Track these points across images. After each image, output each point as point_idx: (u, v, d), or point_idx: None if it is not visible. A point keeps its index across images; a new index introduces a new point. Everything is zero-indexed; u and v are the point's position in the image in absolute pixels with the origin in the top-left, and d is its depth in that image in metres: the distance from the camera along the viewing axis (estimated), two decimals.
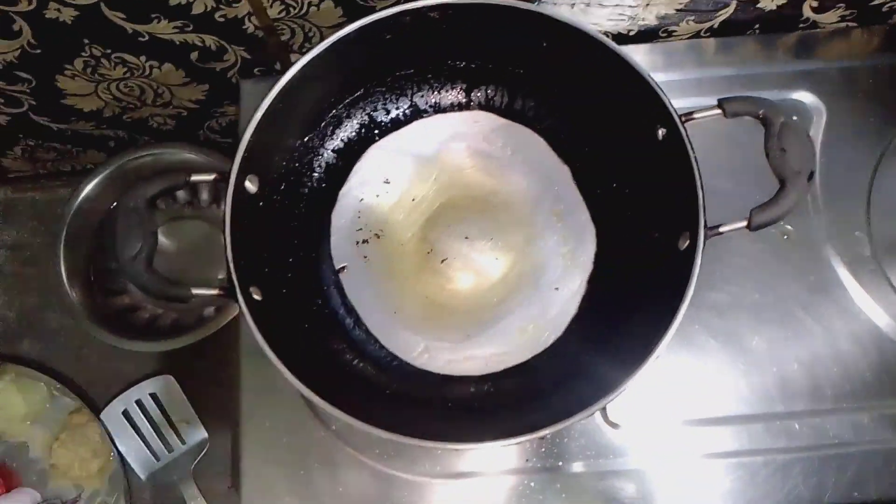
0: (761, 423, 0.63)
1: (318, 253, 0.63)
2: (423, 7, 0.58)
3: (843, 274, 0.67)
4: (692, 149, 0.53)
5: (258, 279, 0.56)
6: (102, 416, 0.83)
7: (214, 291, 0.53)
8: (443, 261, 0.62)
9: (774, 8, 0.71)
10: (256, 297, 0.55)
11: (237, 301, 0.52)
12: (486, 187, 0.64)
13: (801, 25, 0.74)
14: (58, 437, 0.82)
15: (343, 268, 0.63)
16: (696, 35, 0.75)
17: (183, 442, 0.84)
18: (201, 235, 0.90)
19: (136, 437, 0.83)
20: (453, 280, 0.62)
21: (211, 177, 0.55)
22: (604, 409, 0.63)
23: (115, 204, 0.86)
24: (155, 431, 0.84)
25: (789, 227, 0.68)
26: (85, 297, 0.84)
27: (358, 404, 0.51)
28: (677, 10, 0.70)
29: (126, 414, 0.84)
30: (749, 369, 0.64)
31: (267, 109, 0.56)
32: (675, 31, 0.74)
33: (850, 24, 0.74)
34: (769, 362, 0.64)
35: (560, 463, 0.62)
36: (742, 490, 0.61)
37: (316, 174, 0.64)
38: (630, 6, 0.69)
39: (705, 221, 0.52)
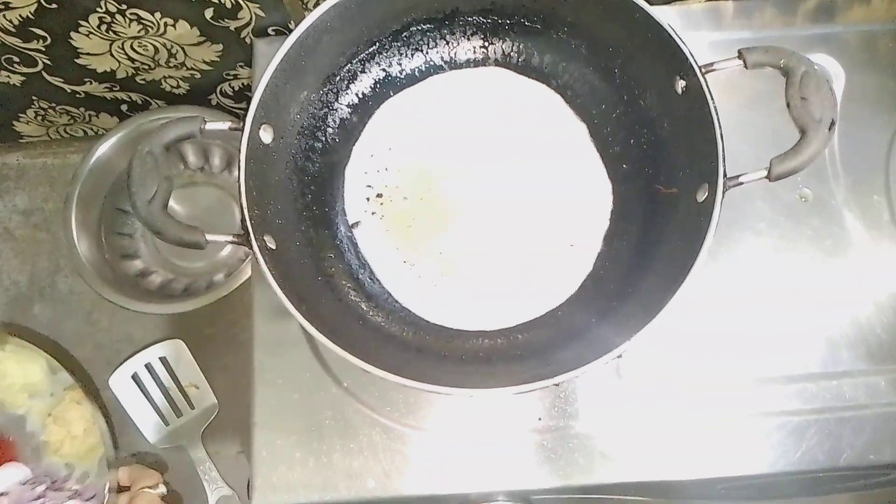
0: (776, 384, 0.62)
1: (331, 207, 0.62)
2: None
3: (861, 237, 0.66)
4: (712, 98, 0.53)
5: (272, 229, 0.56)
6: (111, 379, 0.83)
7: (229, 237, 0.53)
8: (457, 217, 0.62)
9: None
10: (271, 245, 0.54)
11: (251, 246, 0.52)
12: (501, 144, 0.64)
13: None
14: (51, 412, 0.81)
15: (357, 223, 0.62)
16: None
17: (192, 406, 0.84)
18: (213, 201, 0.90)
19: (146, 400, 0.83)
20: (468, 236, 0.62)
21: (226, 125, 0.55)
22: (617, 368, 0.63)
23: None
24: (164, 395, 0.84)
25: (807, 189, 0.67)
26: (96, 260, 0.84)
27: (371, 352, 0.51)
28: None
29: (136, 378, 0.84)
30: (764, 332, 0.64)
31: (283, 58, 0.56)
32: None
33: None
34: (785, 325, 0.64)
35: (572, 422, 0.62)
36: (756, 451, 0.61)
37: (330, 129, 0.63)
38: None
39: (725, 171, 0.52)
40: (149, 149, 0.52)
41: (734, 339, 0.64)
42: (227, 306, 0.84)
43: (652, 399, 0.62)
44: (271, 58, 0.56)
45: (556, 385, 0.49)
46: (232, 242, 0.53)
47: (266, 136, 0.57)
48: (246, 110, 0.55)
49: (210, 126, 0.54)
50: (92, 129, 0.92)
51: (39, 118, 0.88)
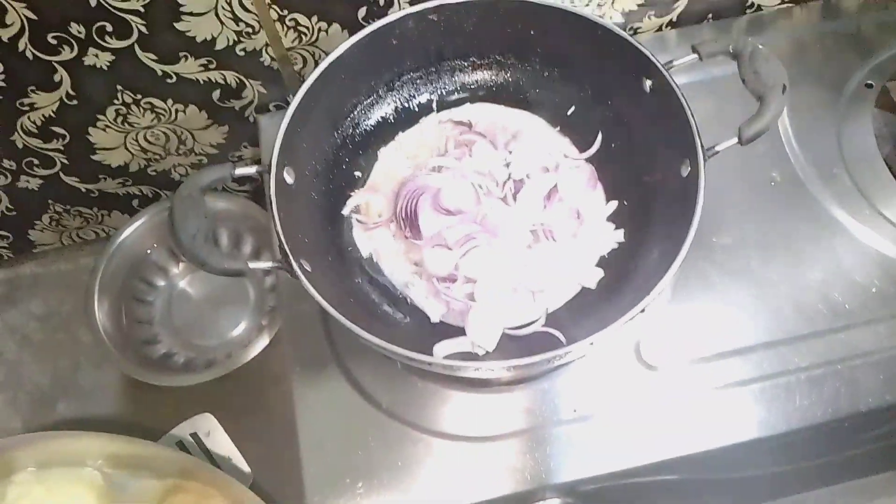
0: (787, 346, 0.67)
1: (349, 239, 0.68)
2: (424, 10, 0.67)
3: (833, 207, 0.72)
4: (678, 88, 0.61)
5: (306, 257, 0.60)
6: None
7: (269, 264, 0.58)
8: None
9: None
10: (307, 268, 0.59)
11: (291, 269, 0.56)
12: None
13: (748, 10, 0.84)
14: None
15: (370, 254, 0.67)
16: (659, 29, 0.84)
17: None
18: (227, 282, 0.94)
19: None
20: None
21: (253, 169, 0.61)
22: (639, 353, 0.67)
23: (149, 250, 0.91)
24: None
25: (774, 174, 0.75)
26: (121, 346, 0.86)
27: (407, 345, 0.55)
28: (639, 6, 0.80)
29: None
30: (766, 299, 0.69)
31: (296, 107, 0.63)
32: (639, 27, 0.83)
33: (790, 4, 0.84)
34: (783, 290, 0.69)
35: (607, 409, 0.65)
36: (780, 410, 0.64)
37: (340, 172, 0.69)
38: (599, 4, 0.78)
39: (702, 143, 0.59)
40: (188, 192, 0.57)
41: (740, 309, 0.68)
42: (252, 375, 0.86)
43: (677, 377, 0.66)
44: (275, 129, 0.62)
45: (592, 344, 0.53)
46: (273, 268, 0.57)
47: (289, 177, 0.63)
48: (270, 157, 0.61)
49: (239, 171, 0.60)
50: (103, 231, 0.97)
51: (54, 223, 0.93)
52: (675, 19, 0.83)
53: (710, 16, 0.84)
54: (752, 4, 0.84)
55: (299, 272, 0.56)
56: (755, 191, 0.74)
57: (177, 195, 0.57)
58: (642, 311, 0.54)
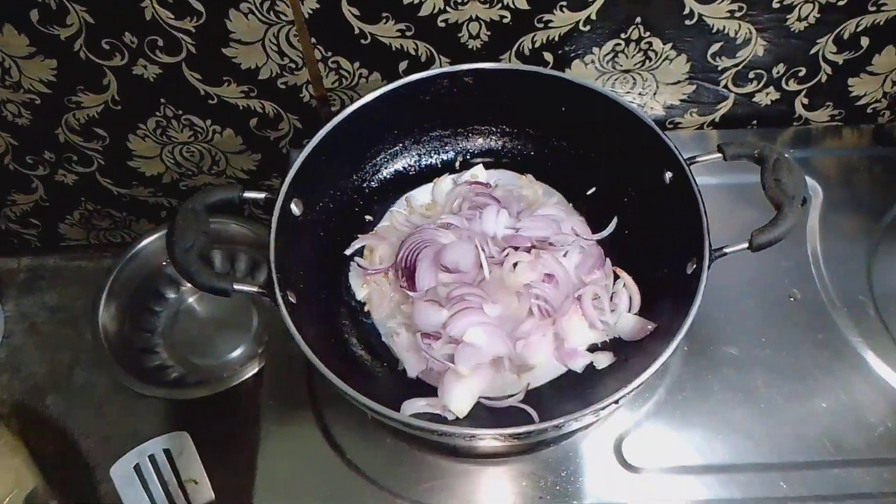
0: (778, 471, 0.62)
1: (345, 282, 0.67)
2: (459, 71, 0.68)
3: (851, 334, 0.69)
4: (695, 182, 0.59)
5: (294, 289, 0.60)
6: (113, 469, 0.83)
7: (255, 289, 0.58)
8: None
9: (769, 103, 0.80)
10: (292, 299, 0.58)
11: (275, 297, 0.56)
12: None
13: (795, 123, 0.83)
14: None
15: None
16: (700, 127, 0.83)
17: (189, 503, 0.83)
18: (235, 307, 0.94)
19: (143, 492, 0.82)
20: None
21: (262, 195, 0.61)
22: (620, 452, 0.63)
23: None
24: (163, 489, 0.83)
25: (795, 290, 0.72)
26: (118, 352, 0.87)
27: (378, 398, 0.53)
28: (681, 101, 0.79)
29: (137, 469, 0.83)
30: (766, 419, 0.65)
31: (318, 142, 0.64)
32: (680, 122, 0.83)
33: (839, 123, 0.83)
34: (786, 414, 0.65)
35: (574, 502, 0.61)
36: None
37: (354, 212, 0.70)
38: (640, 93, 0.78)
39: (710, 243, 0.57)
40: (192, 206, 0.58)
41: (737, 425, 0.64)
42: (236, 405, 0.86)
43: (656, 482, 0.62)
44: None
45: (558, 427, 0.50)
46: (257, 293, 0.57)
47: (296, 209, 0.63)
48: (281, 184, 0.62)
49: (248, 194, 0.61)
50: (129, 235, 0.99)
51: (83, 220, 0.96)
52: (717, 120, 0.82)
53: (756, 122, 0.83)
54: (800, 117, 0.82)
55: (281, 302, 0.56)
56: (772, 304, 0.71)
57: (181, 207, 0.58)
58: (616, 402, 0.51)
